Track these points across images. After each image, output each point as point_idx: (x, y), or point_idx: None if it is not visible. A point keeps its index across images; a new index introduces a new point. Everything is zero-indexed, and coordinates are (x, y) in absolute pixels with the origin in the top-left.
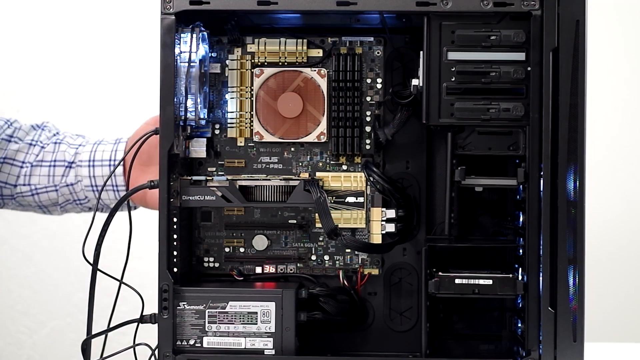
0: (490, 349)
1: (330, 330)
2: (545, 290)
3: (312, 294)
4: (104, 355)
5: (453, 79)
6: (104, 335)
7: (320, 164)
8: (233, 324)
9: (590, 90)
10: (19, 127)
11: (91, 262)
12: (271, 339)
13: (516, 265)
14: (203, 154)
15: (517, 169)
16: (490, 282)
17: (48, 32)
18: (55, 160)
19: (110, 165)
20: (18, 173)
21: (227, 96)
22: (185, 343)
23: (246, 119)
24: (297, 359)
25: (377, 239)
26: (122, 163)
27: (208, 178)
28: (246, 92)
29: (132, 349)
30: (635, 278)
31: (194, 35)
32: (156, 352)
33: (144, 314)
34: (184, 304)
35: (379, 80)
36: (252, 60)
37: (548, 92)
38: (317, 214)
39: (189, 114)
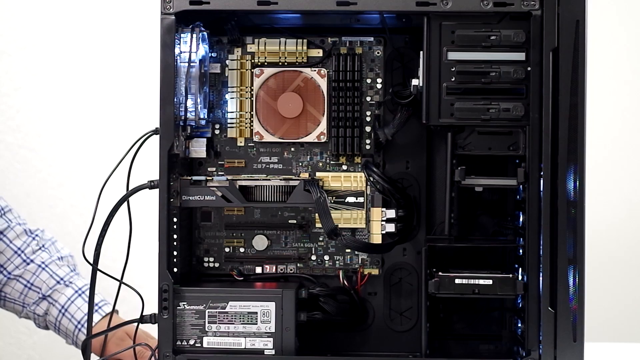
0: (490, 349)
1: (330, 330)
2: (545, 290)
3: (312, 294)
4: (104, 356)
5: (453, 79)
6: (104, 335)
7: (320, 164)
8: (233, 324)
9: (590, 90)
10: (11, 224)
11: (91, 262)
12: (271, 339)
13: (516, 265)
14: (203, 154)
15: (517, 169)
16: (490, 282)
17: (48, 32)
18: (32, 284)
19: (76, 328)
20: None
21: (227, 96)
22: (185, 343)
23: (246, 119)
24: (297, 359)
25: (377, 239)
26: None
27: (208, 178)
28: (246, 92)
29: (132, 349)
30: (635, 278)
31: (194, 35)
32: (156, 352)
33: (144, 314)
34: (184, 304)
35: (379, 80)
36: (252, 60)
37: (548, 92)
38: (317, 214)
39: (189, 114)
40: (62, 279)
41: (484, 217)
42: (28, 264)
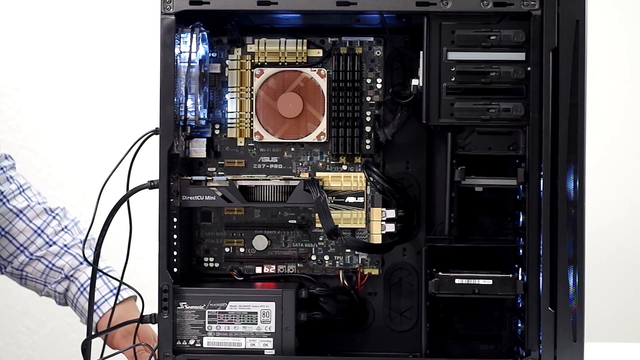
0: (490, 349)
1: (330, 330)
2: (545, 290)
3: (312, 294)
4: (104, 355)
5: (453, 79)
6: (104, 335)
7: (320, 164)
8: (233, 324)
9: (590, 90)
10: (31, 203)
11: (91, 262)
12: (271, 339)
13: (516, 265)
14: (203, 154)
15: (517, 169)
16: (490, 282)
17: (48, 32)
18: (54, 265)
19: (95, 310)
20: (13, 253)
21: (227, 96)
22: (185, 343)
23: (246, 119)
24: (297, 359)
25: (377, 239)
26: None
27: (208, 178)
28: (246, 92)
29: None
30: (635, 278)
31: (194, 35)
32: (156, 352)
33: (144, 314)
34: (184, 304)
35: (379, 80)
36: (252, 60)
37: (548, 92)
38: (317, 214)
39: (189, 114)
40: (85, 259)
41: (484, 217)
42: (50, 245)
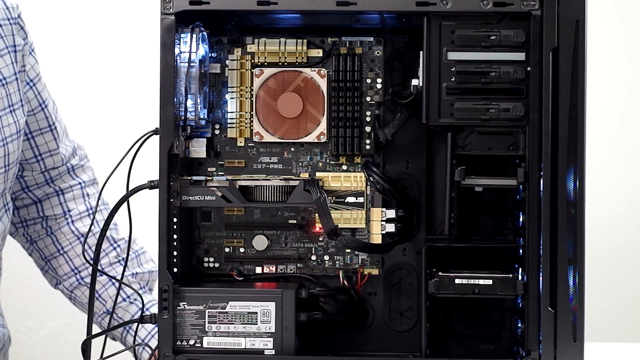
0: (490, 349)
1: (330, 330)
2: (545, 290)
3: (312, 294)
4: (104, 355)
5: (453, 79)
6: (103, 335)
7: (320, 164)
8: (233, 324)
9: (590, 90)
10: (95, 229)
11: (91, 262)
12: (271, 339)
13: (516, 265)
14: (203, 154)
15: (517, 169)
16: (490, 282)
17: (48, 32)
18: (99, 295)
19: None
20: (68, 273)
21: (227, 96)
22: (185, 343)
23: (246, 119)
24: (297, 359)
25: (377, 239)
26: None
27: (208, 178)
28: (246, 92)
29: (132, 349)
30: (635, 278)
31: (194, 36)
32: (156, 352)
33: (144, 314)
34: (184, 304)
35: (379, 80)
36: (252, 61)
37: (548, 92)
38: (317, 214)
39: (189, 114)
40: (128, 296)
41: (484, 217)
42: (101, 275)
